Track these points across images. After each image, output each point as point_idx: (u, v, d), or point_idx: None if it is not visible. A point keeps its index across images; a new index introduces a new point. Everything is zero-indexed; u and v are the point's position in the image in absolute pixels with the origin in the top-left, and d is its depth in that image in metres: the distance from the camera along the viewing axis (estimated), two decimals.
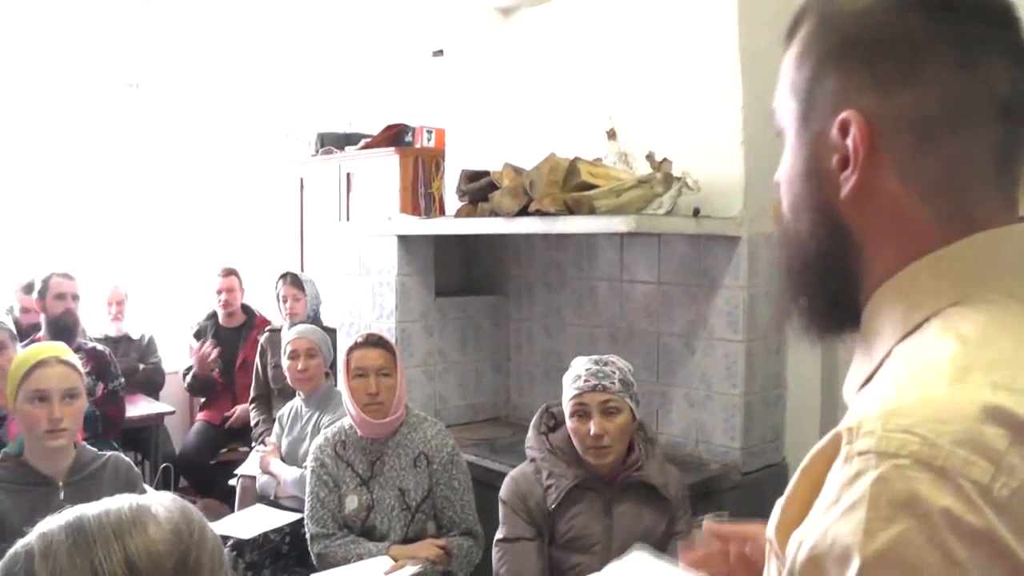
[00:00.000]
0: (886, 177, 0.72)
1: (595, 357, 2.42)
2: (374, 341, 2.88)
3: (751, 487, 3.00)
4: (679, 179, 2.95)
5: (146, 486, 3.34)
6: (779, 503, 0.70)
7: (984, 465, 0.57)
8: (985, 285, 0.70)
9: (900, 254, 0.73)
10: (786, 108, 0.80)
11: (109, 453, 2.52)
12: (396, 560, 2.61)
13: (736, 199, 3.03)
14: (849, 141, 0.73)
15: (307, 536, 2.78)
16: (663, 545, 2.41)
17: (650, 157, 3.01)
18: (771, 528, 0.70)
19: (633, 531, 2.38)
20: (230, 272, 5.06)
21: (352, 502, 2.77)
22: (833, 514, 0.60)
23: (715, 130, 3.08)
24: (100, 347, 4.34)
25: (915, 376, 0.65)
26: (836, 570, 0.59)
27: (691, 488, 2.66)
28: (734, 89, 3.04)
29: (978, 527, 0.56)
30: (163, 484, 4.38)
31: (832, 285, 0.78)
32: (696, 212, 2.97)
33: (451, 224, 3.46)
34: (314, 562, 2.75)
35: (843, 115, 0.73)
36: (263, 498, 3.45)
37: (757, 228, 3.06)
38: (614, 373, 2.36)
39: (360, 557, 2.67)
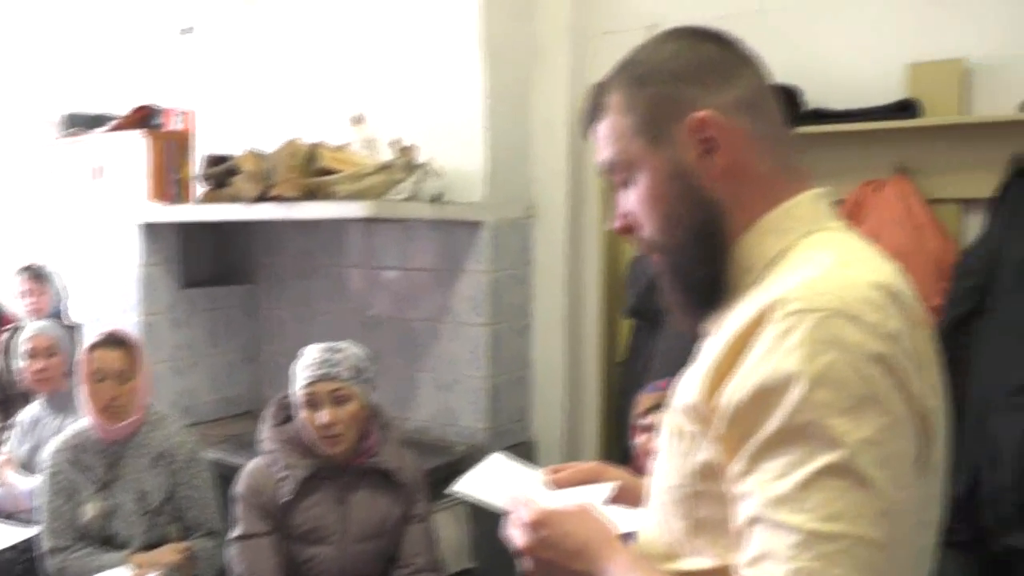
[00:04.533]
0: (740, 147, 0.99)
1: (326, 345, 2.40)
2: (114, 341, 2.71)
3: None
4: (422, 165, 2.97)
5: None
6: (696, 378, 0.94)
7: (878, 314, 0.86)
8: (823, 221, 1.01)
9: (759, 205, 1.00)
10: (631, 148, 1.03)
11: None
12: (139, 568, 2.51)
13: (479, 185, 3.09)
14: (709, 132, 0.98)
15: (43, 552, 2.62)
16: (399, 530, 2.44)
17: (394, 144, 3.01)
18: (692, 398, 0.94)
19: (369, 518, 2.39)
20: None
21: (89, 510, 2.63)
22: (775, 357, 0.85)
23: (459, 117, 3.13)
24: None
25: (813, 267, 0.92)
26: (778, 396, 0.84)
27: (435, 471, 2.70)
28: (477, 77, 3.09)
29: (880, 351, 0.85)
30: None
31: (716, 257, 1.01)
32: (437, 197, 3.00)
33: (191, 211, 3.34)
34: None
35: (696, 116, 0.99)
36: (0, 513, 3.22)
37: (500, 214, 3.14)
38: (344, 361, 2.35)
39: (100, 569, 2.53)
